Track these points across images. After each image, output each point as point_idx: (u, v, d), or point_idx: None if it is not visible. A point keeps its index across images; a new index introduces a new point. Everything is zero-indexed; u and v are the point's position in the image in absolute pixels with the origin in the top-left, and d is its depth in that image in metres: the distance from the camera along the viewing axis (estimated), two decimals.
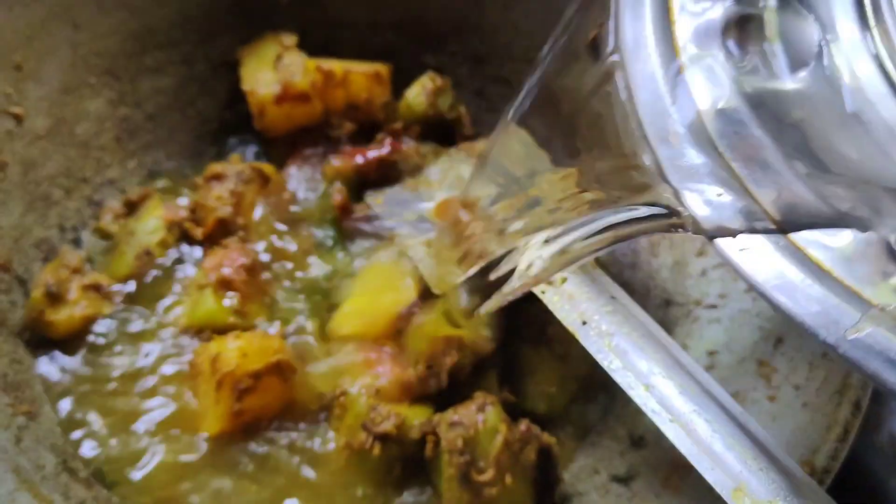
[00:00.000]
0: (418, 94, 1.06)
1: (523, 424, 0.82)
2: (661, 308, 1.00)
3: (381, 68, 1.07)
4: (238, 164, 0.98)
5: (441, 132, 1.09)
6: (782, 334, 0.85)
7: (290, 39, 1.06)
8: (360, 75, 1.04)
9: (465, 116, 1.11)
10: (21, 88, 0.94)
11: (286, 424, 0.86)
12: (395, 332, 0.91)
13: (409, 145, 1.05)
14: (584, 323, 0.81)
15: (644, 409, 0.74)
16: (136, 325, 0.90)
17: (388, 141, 1.04)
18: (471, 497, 0.79)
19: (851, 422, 0.71)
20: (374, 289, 0.94)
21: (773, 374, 0.82)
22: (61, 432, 0.83)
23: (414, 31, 1.17)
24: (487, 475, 0.79)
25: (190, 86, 1.10)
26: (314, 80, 1.02)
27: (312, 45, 1.12)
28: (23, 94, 0.94)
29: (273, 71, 1.02)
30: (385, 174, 1.04)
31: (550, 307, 0.84)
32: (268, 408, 0.85)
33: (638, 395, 0.75)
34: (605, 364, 0.78)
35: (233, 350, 0.83)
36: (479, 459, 0.79)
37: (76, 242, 0.98)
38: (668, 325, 0.98)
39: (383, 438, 0.82)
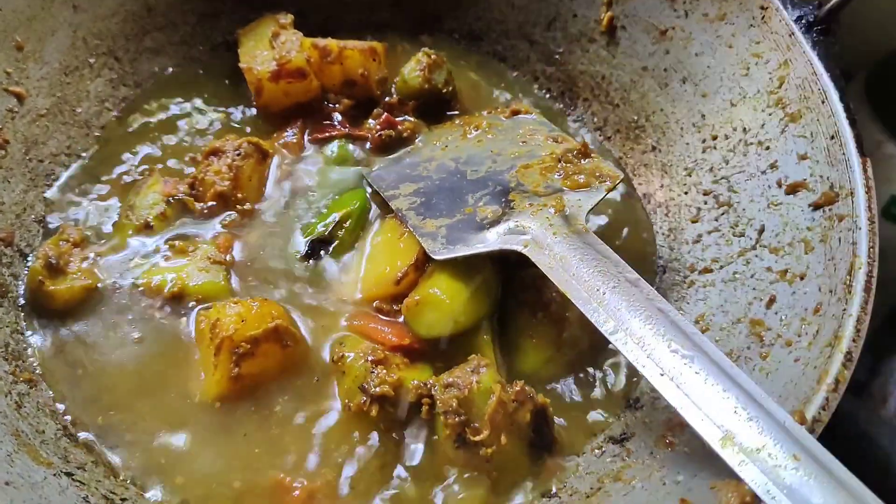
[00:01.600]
0: (414, 69, 1.07)
1: (518, 385, 0.82)
2: (658, 274, 1.01)
3: (377, 45, 1.08)
4: (236, 140, 0.99)
5: (436, 107, 1.10)
6: (775, 294, 0.85)
7: (286, 18, 1.07)
8: (356, 52, 1.05)
9: (460, 91, 1.12)
10: (22, 68, 0.96)
11: (287, 385, 0.87)
12: (395, 295, 0.92)
13: (405, 119, 1.07)
14: (576, 283, 0.82)
15: (636, 364, 0.75)
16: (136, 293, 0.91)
17: (384, 116, 1.05)
18: (467, 457, 0.80)
19: (842, 372, 0.71)
20: (376, 255, 0.96)
21: (766, 333, 0.82)
22: (62, 399, 0.84)
23: (411, 10, 1.18)
24: (482, 435, 0.79)
25: (190, 66, 1.12)
26: (310, 56, 1.03)
27: (312, 26, 1.14)
28: (24, 73, 0.96)
29: (270, 49, 1.04)
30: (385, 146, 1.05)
31: (544, 270, 0.84)
32: (267, 372, 0.86)
33: (629, 350, 0.75)
34: (597, 323, 0.78)
35: (231, 315, 0.84)
36: (473, 420, 0.80)
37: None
38: (664, 290, 0.99)
39: (381, 400, 0.83)
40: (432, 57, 1.08)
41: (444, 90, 1.08)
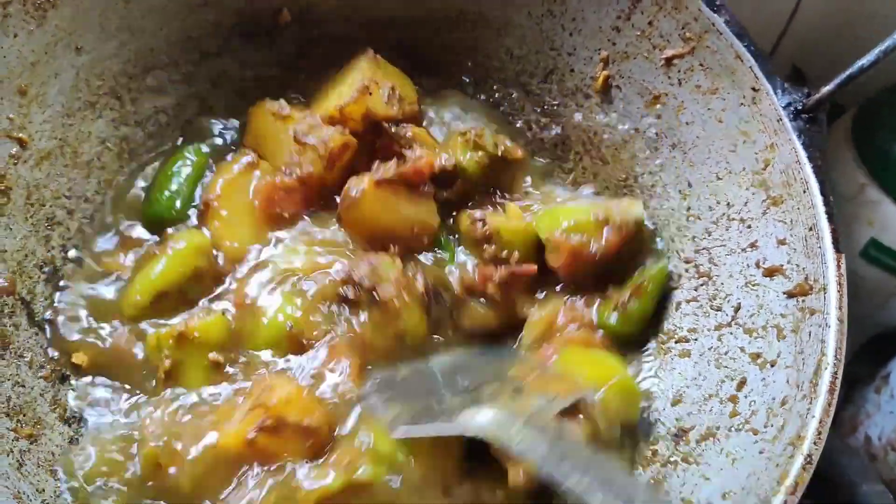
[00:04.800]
0: (463, 153, 1.08)
1: None
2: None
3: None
4: None
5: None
6: (746, 376, 0.89)
7: (284, 108, 1.07)
8: None
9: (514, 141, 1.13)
10: (25, 113, 0.97)
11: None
12: None
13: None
14: None
15: None
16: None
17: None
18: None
19: (802, 475, 0.75)
20: None
21: (736, 417, 0.87)
22: (63, 454, 0.88)
23: (410, 54, 1.19)
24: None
25: (190, 103, 1.13)
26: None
27: (310, 64, 1.16)
28: (27, 118, 0.97)
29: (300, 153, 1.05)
30: None
31: None
32: (281, 451, 0.87)
33: None
34: None
35: (282, 392, 0.88)
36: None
37: (79, 262, 1.02)
38: (641, 353, 1.03)
39: None
40: (468, 134, 1.08)
41: (496, 152, 1.08)
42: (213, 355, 0.93)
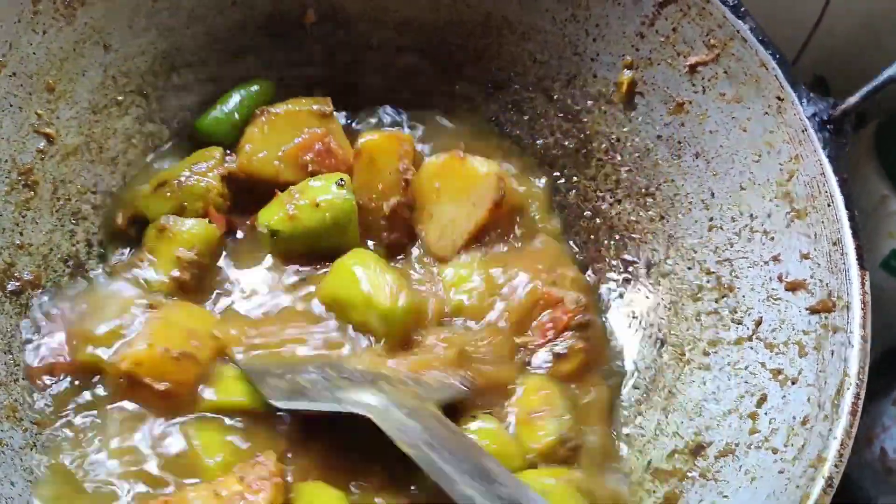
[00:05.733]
0: None
1: None
2: (656, 347, 1.04)
3: None
4: None
5: None
6: (766, 392, 0.88)
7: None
8: None
9: None
10: (53, 109, 0.98)
11: None
12: None
13: None
14: None
15: None
16: None
17: None
18: None
19: (823, 499, 0.74)
20: None
21: (755, 434, 0.86)
22: None
23: (436, 56, 1.19)
24: None
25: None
26: None
27: (338, 65, 1.16)
28: (54, 114, 0.98)
29: None
30: None
31: None
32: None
33: None
34: None
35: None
36: None
37: (102, 257, 1.03)
38: (660, 366, 1.02)
39: None
40: None
41: None
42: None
